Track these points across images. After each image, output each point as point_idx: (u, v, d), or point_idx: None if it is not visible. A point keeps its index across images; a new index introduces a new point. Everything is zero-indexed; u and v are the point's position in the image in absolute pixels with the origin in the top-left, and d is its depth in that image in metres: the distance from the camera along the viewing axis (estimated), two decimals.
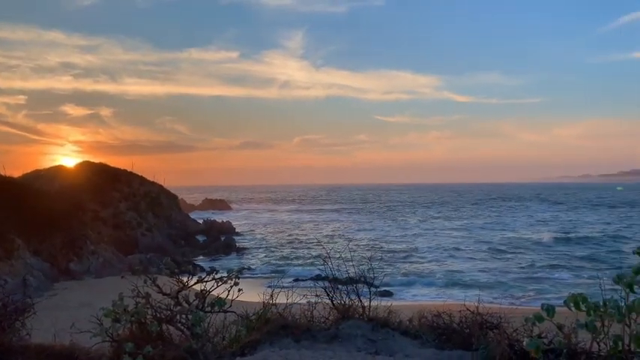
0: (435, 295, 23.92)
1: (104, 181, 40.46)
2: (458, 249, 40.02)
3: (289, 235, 51.85)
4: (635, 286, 2.70)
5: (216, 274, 4.32)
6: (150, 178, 46.66)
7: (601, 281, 3.12)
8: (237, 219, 66.66)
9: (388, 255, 37.23)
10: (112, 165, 45.53)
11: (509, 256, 36.82)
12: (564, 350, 3.22)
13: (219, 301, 4.24)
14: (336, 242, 43.06)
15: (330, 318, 4.85)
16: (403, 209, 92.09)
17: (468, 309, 4.54)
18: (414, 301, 21.88)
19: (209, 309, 4.24)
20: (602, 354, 2.91)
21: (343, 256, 6.15)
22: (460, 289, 24.97)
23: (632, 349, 2.70)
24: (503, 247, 40.53)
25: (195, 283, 4.40)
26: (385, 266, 32.97)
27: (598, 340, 2.91)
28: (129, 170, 45.08)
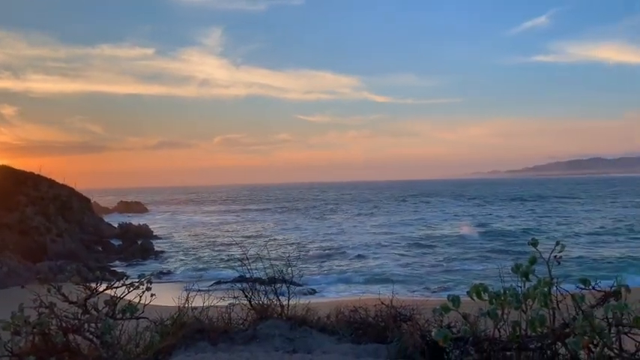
0: (356, 292, 24.37)
1: (8, 185, 37.68)
2: (380, 245, 41.05)
3: (211, 237, 50.89)
4: (531, 275, 2.90)
5: (126, 279, 4.15)
6: (60, 180, 44.09)
7: (500, 270, 3.31)
8: (155, 222, 64.47)
9: (312, 253, 37.55)
10: (17, 167, 42.64)
11: (427, 250, 38.28)
12: (470, 338, 3.40)
13: (130, 308, 4.07)
14: (259, 242, 42.83)
15: (248, 319, 4.81)
16: (326, 208, 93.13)
17: (382, 303, 4.67)
18: (336, 298, 22.20)
19: (120, 316, 4.07)
20: (503, 339, 3.10)
21: (265, 256, 6.14)
22: (381, 285, 25.45)
23: (529, 333, 2.90)
24: (422, 242, 42.07)
25: (105, 290, 4.20)
26: (309, 265, 33.24)
27: (499, 326, 3.10)
28: (36, 173, 42.34)
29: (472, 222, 57.33)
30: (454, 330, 3.60)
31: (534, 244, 2.93)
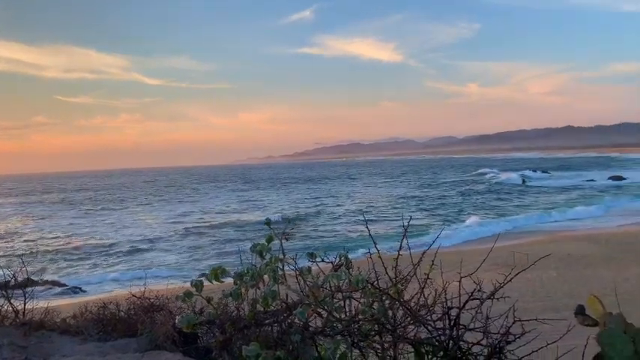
0: (122, 287, 23.08)
1: None
2: (155, 236, 39.46)
3: None
4: (266, 253, 3.04)
5: None
6: None
7: (240, 252, 3.41)
8: None
9: (79, 250, 34.44)
10: None
11: (205, 238, 38.03)
12: (216, 320, 3.44)
13: None
14: (12, 241, 37.60)
15: None
16: (94, 199, 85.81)
17: (134, 295, 4.45)
18: (96, 296, 20.65)
19: None
20: (244, 317, 3.20)
21: (12, 254, 5.37)
22: (150, 278, 24.67)
23: (264, 308, 3.04)
24: (201, 230, 41.55)
25: None
26: (75, 262, 30.50)
27: (242, 306, 3.19)
28: None
29: (257, 207, 58.84)
30: (205, 314, 3.61)
31: (268, 223, 3.08)
